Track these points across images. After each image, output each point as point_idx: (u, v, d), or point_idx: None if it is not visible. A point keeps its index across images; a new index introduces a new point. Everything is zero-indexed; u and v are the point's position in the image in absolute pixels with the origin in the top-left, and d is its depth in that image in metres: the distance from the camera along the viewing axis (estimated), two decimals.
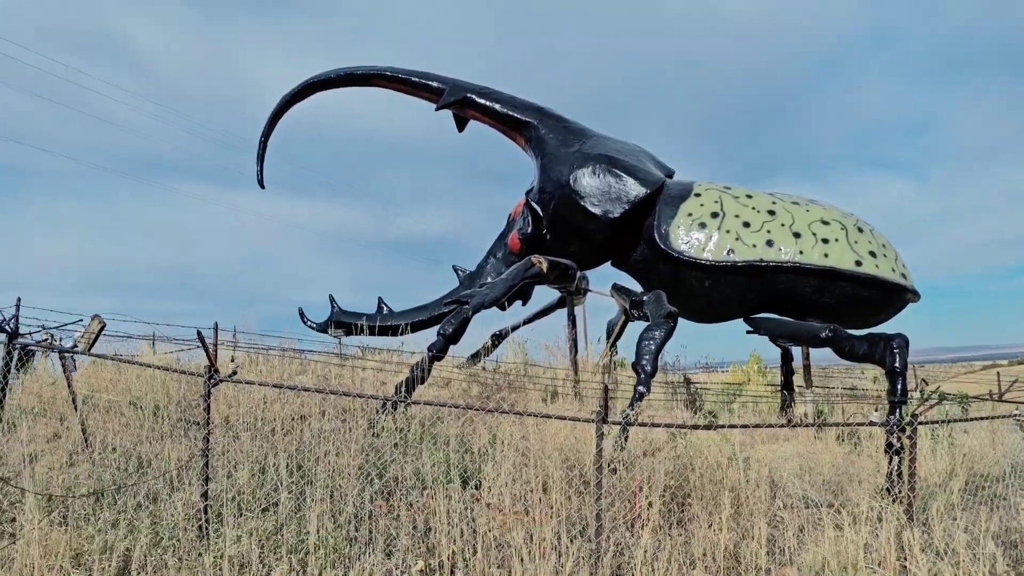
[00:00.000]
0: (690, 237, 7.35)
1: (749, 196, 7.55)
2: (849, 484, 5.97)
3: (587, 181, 7.85)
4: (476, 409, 5.05)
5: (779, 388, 9.81)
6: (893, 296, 7.16)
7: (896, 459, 5.73)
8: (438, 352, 6.50)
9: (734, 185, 7.79)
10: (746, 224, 7.28)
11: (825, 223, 7.26)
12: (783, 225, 7.24)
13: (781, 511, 5.20)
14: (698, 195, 7.62)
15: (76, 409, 6.55)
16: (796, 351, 9.91)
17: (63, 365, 6.90)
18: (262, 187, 9.55)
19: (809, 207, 7.43)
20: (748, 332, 7.77)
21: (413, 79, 8.96)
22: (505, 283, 6.90)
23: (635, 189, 7.71)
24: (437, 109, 8.84)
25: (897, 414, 5.92)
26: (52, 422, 7.00)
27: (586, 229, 7.88)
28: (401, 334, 8.96)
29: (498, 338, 10.17)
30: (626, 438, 5.71)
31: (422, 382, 6.50)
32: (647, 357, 6.30)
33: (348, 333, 9.02)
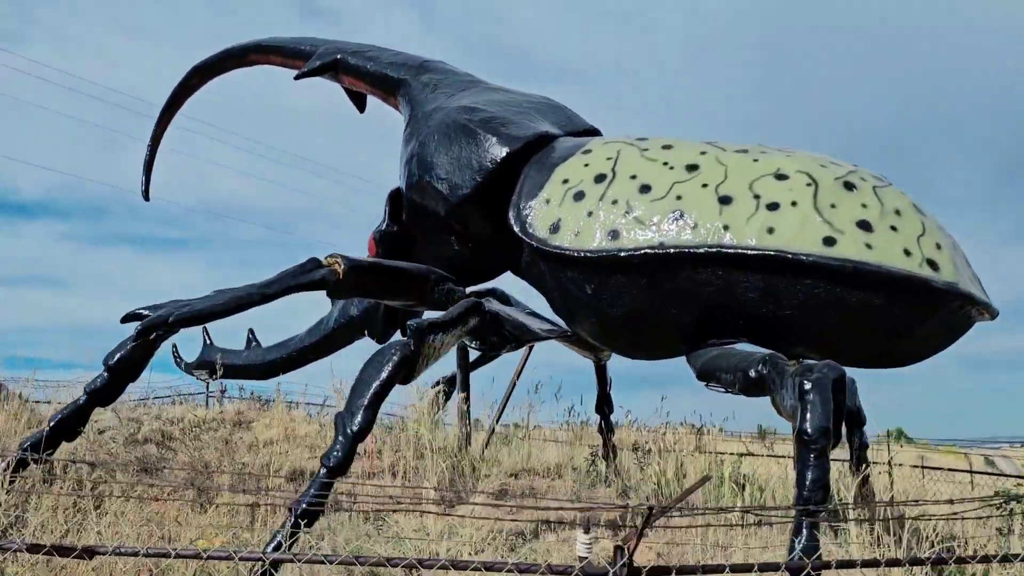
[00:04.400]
0: (556, 215, 4.52)
1: (667, 147, 4.59)
2: None
3: (435, 145, 5.27)
4: None
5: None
6: (914, 301, 3.85)
7: None
8: (95, 392, 4.23)
9: (667, 137, 4.84)
10: (644, 188, 4.33)
11: (781, 177, 4.13)
12: (705, 185, 4.21)
13: None
14: (588, 151, 4.78)
15: None
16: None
17: None
18: (146, 199, 7.94)
19: (763, 155, 4.33)
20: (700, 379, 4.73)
21: (287, 47, 6.95)
22: (235, 294, 4.44)
23: (492, 150, 5.00)
24: (298, 77, 6.72)
25: (801, 537, 2.72)
26: None
27: (441, 216, 5.28)
28: (264, 377, 6.79)
29: (447, 386, 7.64)
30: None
31: (68, 436, 4.24)
32: (358, 403, 3.61)
33: (212, 375, 7.03)
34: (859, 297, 3.85)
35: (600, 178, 4.51)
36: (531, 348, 6.46)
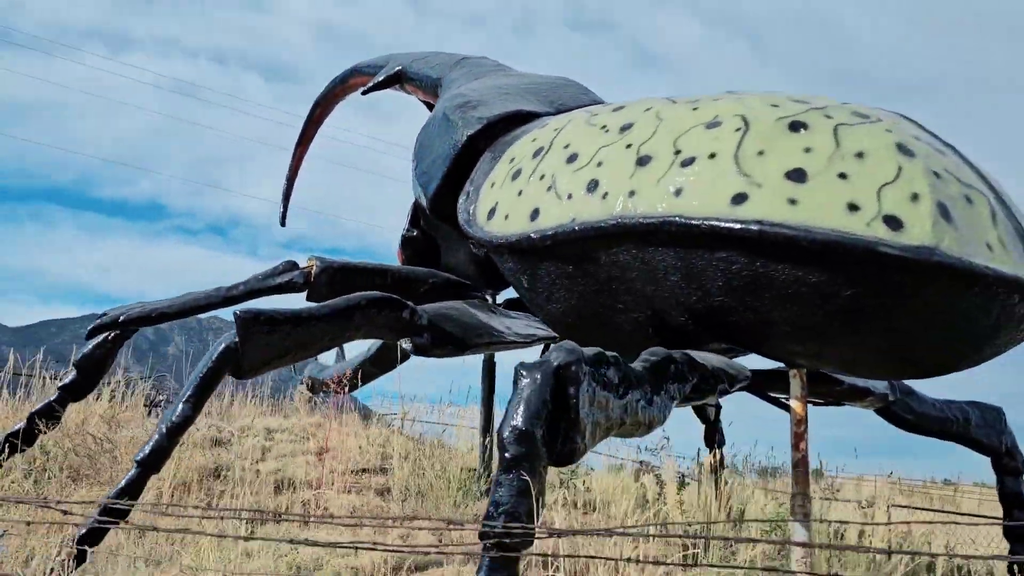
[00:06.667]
0: (495, 199, 3.94)
1: (619, 108, 3.78)
2: None
3: (422, 138, 4.92)
4: None
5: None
6: (865, 276, 2.70)
7: None
8: (65, 387, 4.43)
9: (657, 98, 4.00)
10: (572, 158, 3.59)
11: (712, 126, 3.17)
12: (629, 146, 3.38)
13: None
14: (544, 125, 4.12)
15: None
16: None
17: None
18: (283, 225, 8.48)
19: (711, 103, 3.37)
20: None
21: (373, 66, 7.03)
22: (195, 295, 4.44)
23: (455, 134, 4.50)
24: (364, 92, 6.72)
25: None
26: None
27: (428, 214, 4.90)
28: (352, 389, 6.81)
29: None
30: None
31: (42, 429, 4.48)
32: (180, 396, 3.33)
33: (315, 392, 7.23)
34: (789, 273, 2.80)
35: (537, 152, 3.85)
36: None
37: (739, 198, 2.84)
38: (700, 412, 6.31)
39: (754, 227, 2.74)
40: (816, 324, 2.90)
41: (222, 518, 3.25)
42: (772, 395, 4.18)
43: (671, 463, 5.74)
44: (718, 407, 6.40)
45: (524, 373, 2.18)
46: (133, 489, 3.23)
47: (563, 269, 3.57)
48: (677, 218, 2.95)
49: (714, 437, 6.36)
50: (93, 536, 3.17)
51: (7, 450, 4.42)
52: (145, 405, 7.06)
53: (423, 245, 5.46)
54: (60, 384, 4.53)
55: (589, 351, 2.39)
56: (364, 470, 5.43)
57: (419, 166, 4.86)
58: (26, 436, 4.48)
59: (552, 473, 6.35)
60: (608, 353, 2.50)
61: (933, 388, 5.07)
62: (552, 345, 2.58)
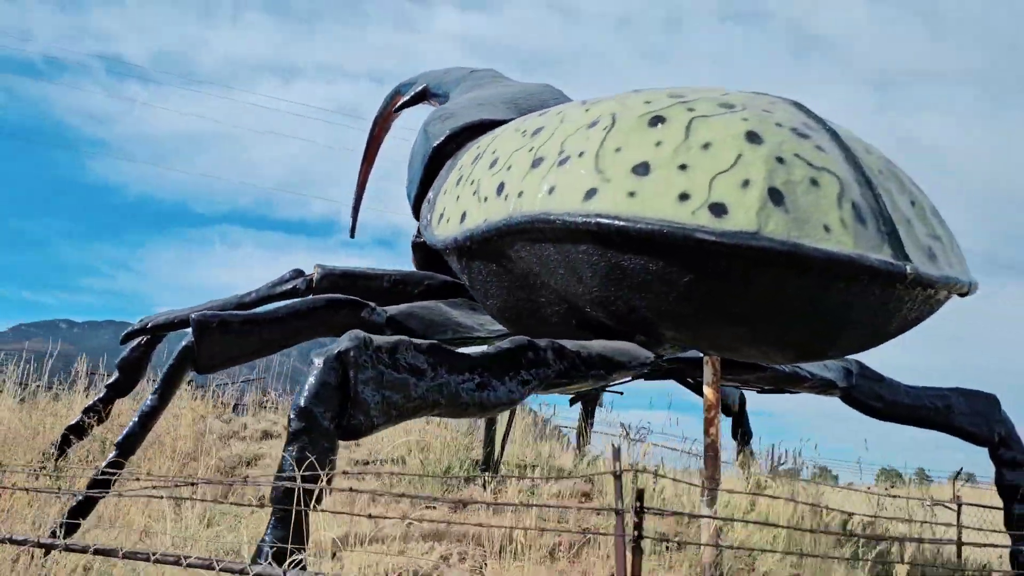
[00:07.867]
0: (443, 205, 4.25)
1: (544, 113, 4.00)
2: None
3: (411, 149, 5.30)
4: None
5: None
6: (693, 263, 2.81)
7: None
8: (111, 386, 5.11)
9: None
10: (493, 162, 3.86)
11: (591, 126, 3.34)
12: (531, 149, 3.61)
13: None
14: (491, 133, 4.39)
15: None
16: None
17: None
18: (352, 237, 9.08)
19: (603, 103, 3.52)
20: None
21: (409, 84, 7.48)
22: (213, 303, 5.02)
23: (425, 146, 4.86)
24: (396, 109, 7.16)
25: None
26: None
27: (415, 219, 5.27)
28: None
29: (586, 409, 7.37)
30: None
31: (96, 423, 5.16)
32: (154, 387, 3.84)
33: None
34: (635, 263, 2.95)
35: (476, 159, 4.13)
36: None
37: (590, 194, 3.02)
38: (724, 407, 6.31)
39: (593, 220, 2.92)
40: (673, 311, 3.03)
41: (168, 484, 3.75)
42: (692, 381, 4.24)
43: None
44: (742, 401, 6.37)
45: (314, 359, 2.50)
46: (112, 468, 3.81)
47: (488, 267, 3.84)
48: (544, 215, 3.16)
49: (739, 431, 6.35)
50: (83, 507, 3.77)
51: (62, 440, 5.19)
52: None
53: (429, 250, 5.84)
54: (107, 384, 5.27)
55: (388, 339, 2.67)
56: (393, 459, 5.87)
57: (407, 175, 5.26)
58: (79, 429, 5.23)
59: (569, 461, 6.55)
60: (418, 341, 2.76)
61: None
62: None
